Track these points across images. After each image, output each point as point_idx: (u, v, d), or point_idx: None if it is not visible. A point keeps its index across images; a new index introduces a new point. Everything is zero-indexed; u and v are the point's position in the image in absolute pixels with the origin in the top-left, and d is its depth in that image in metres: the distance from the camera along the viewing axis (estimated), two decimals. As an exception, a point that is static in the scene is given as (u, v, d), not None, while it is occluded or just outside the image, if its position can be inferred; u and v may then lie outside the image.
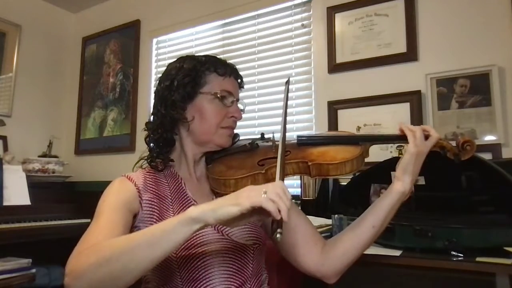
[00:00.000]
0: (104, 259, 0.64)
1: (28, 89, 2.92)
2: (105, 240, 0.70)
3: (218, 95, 0.93)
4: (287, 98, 0.87)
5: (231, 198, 0.66)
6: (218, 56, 0.99)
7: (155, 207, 0.88)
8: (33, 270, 2.04)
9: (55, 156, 2.72)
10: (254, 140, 0.99)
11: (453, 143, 0.92)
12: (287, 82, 0.91)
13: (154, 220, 0.86)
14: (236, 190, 0.79)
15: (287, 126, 1.08)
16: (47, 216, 2.26)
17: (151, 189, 0.90)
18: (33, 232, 2.12)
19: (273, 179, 0.86)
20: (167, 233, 0.65)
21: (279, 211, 0.61)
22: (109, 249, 0.66)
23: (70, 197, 2.59)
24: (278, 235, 0.61)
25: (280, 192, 0.63)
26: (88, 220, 2.34)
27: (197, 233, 0.85)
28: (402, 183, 0.86)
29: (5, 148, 2.67)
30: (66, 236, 2.24)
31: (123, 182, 0.90)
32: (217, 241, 0.87)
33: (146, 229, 0.69)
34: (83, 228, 0.69)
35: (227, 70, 0.96)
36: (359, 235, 0.89)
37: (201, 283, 0.84)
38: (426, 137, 0.87)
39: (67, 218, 2.33)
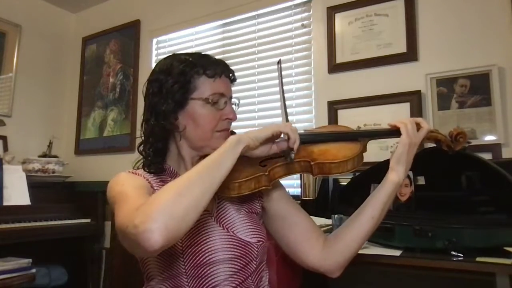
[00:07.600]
0: (183, 189, 0.69)
1: (28, 89, 2.92)
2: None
3: (210, 100, 0.89)
4: (281, 80, 0.88)
5: (262, 129, 0.83)
6: (206, 53, 0.97)
7: None
8: (33, 270, 2.04)
9: (55, 156, 2.72)
10: None
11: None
12: (279, 63, 0.90)
13: None
14: (240, 193, 0.83)
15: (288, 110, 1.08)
16: (47, 216, 2.25)
17: (159, 186, 0.90)
18: (33, 232, 2.12)
19: (275, 179, 0.88)
20: (224, 155, 0.76)
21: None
22: (185, 180, 0.71)
23: (70, 197, 2.59)
24: (292, 155, 0.83)
25: (295, 130, 0.84)
26: (88, 220, 2.38)
27: (203, 229, 0.86)
28: (396, 173, 0.89)
29: (5, 148, 2.67)
30: (66, 236, 2.25)
31: (130, 174, 0.90)
32: (222, 238, 0.87)
33: (203, 160, 0.76)
34: (83, 228, 0.66)
35: (217, 70, 0.91)
36: (359, 227, 0.91)
37: (206, 280, 0.84)
38: (418, 129, 0.92)
39: (67, 218, 2.32)
